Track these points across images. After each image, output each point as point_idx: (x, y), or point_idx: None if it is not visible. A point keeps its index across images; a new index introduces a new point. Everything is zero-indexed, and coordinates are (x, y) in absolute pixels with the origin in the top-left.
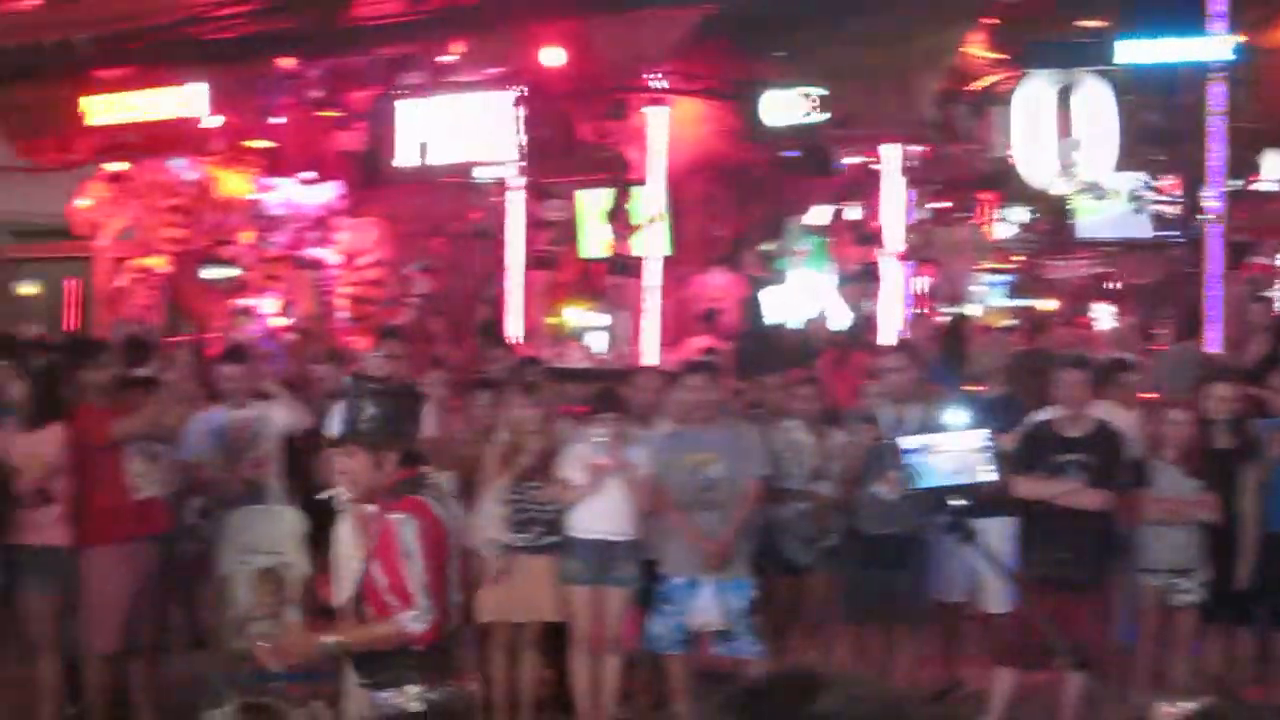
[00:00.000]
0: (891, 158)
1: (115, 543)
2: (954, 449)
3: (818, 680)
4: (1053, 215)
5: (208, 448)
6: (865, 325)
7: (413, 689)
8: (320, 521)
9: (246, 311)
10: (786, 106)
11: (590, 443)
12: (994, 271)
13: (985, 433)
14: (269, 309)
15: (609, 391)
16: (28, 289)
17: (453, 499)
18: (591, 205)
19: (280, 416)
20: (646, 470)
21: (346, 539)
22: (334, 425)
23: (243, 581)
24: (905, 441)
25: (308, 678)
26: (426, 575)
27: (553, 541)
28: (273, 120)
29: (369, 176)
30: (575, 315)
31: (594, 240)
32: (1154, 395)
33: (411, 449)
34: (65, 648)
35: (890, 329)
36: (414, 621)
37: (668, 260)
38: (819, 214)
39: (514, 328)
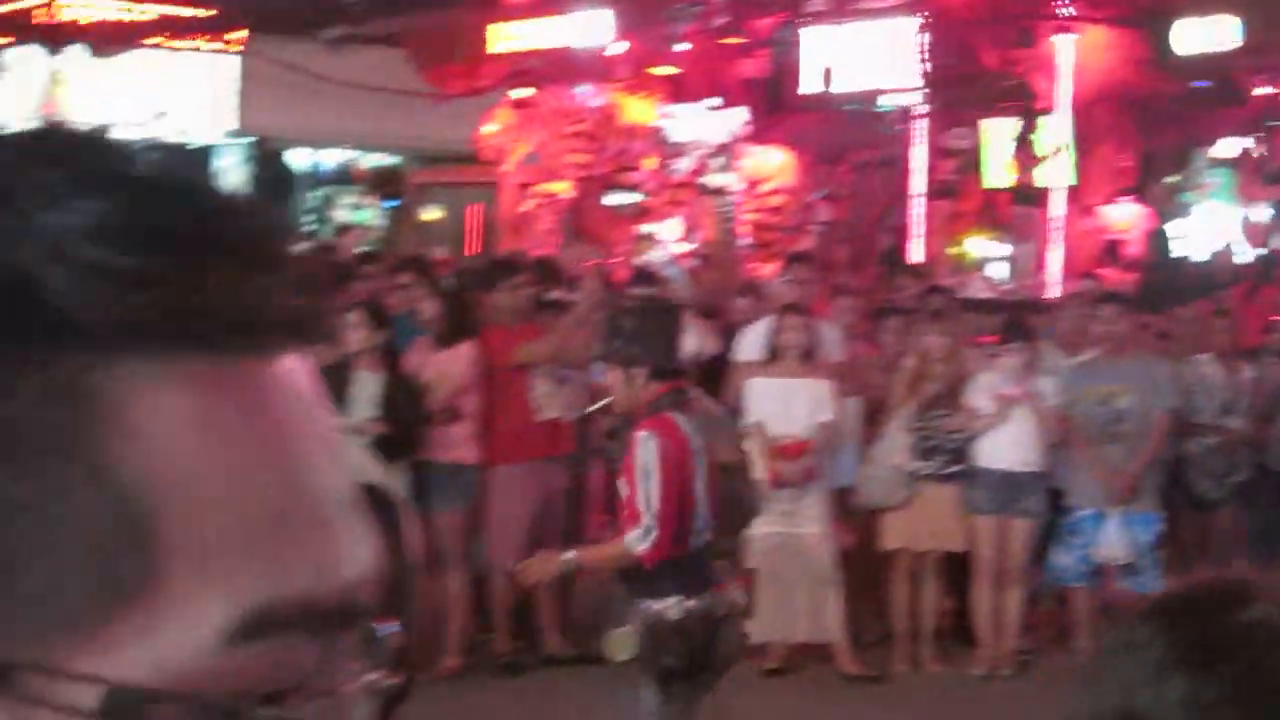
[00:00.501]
0: None
1: (519, 462)
2: None
3: (1249, 589)
4: None
5: None
6: (1274, 261)
7: (671, 598)
8: None
9: (649, 237)
10: (1199, 35)
11: (998, 372)
12: None
13: None
14: (671, 235)
15: (1018, 321)
16: (432, 214)
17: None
18: (996, 134)
19: (689, 342)
20: (1054, 401)
21: (753, 463)
22: (742, 350)
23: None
24: None
25: None
26: (664, 493)
27: (958, 470)
28: (677, 47)
29: (772, 104)
30: (977, 245)
31: (998, 170)
32: None
33: (664, 365)
34: (473, 563)
35: None
36: (636, 541)
37: (1072, 191)
38: (1227, 147)
39: (916, 257)
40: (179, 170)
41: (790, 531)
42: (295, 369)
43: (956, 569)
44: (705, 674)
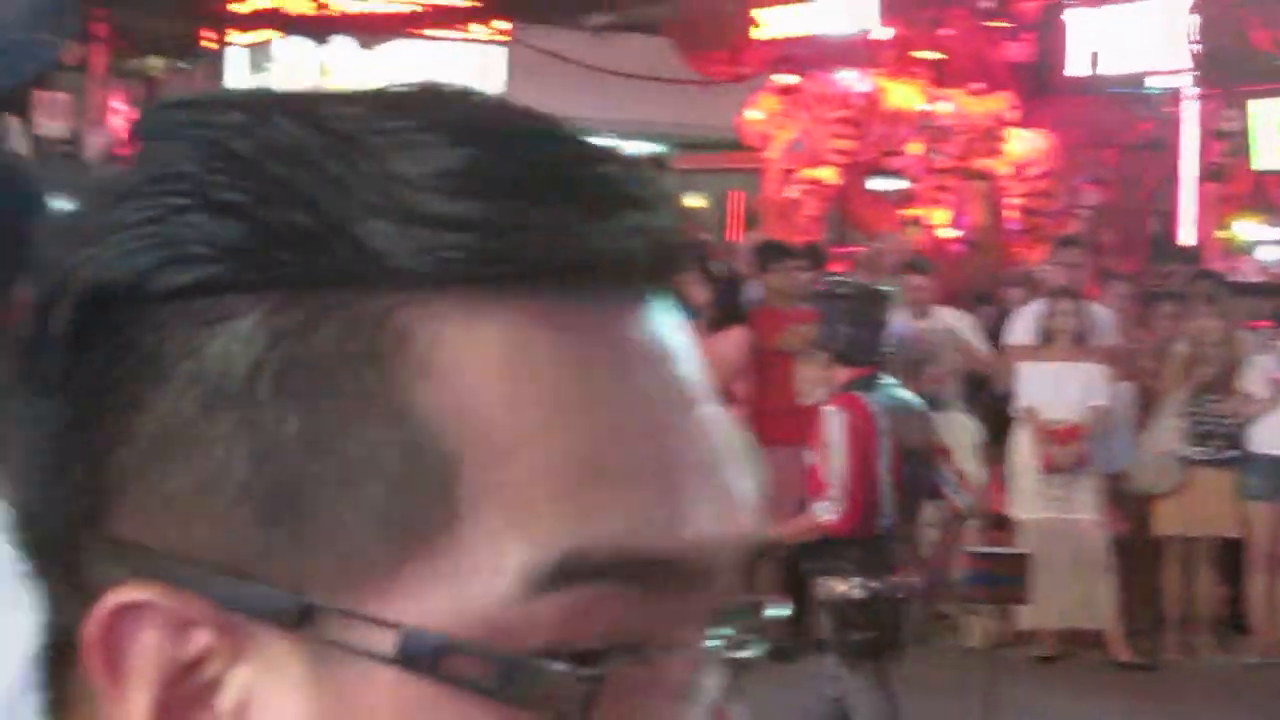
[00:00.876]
0: None
1: (785, 446)
2: None
3: None
4: None
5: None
6: None
7: (854, 579)
8: (998, 430)
9: (916, 223)
10: None
11: (1272, 356)
12: None
13: None
14: (938, 220)
15: None
16: (694, 201)
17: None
18: (1266, 115)
19: (963, 326)
20: None
21: (1024, 448)
22: (1013, 334)
23: None
24: None
25: (990, 582)
26: (850, 467)
27: (1232, 456)
28: (942, 31)
29: (1038, 87)
30: (1247, 228)
31: (1268, 152)
32: None
33: (857, 351)
34: None
35: None
36: (824, 512)
37: None
38: None
39: (1185, 241)
40: (529, 120)
41: (1063, 517)
42: (643, 315)
43: (1230, 555)
44: (892, 651)
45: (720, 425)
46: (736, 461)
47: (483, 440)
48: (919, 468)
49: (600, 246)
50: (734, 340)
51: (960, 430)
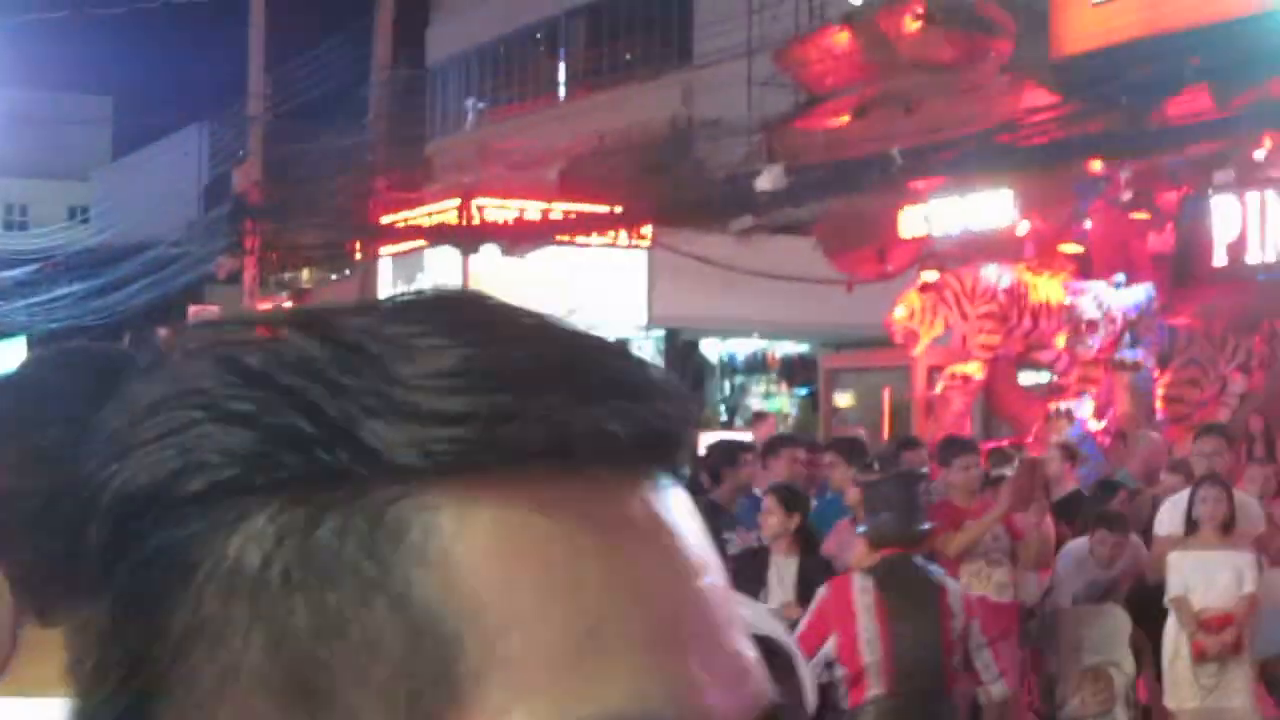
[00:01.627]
0: None
1: None
2: None
3: None
4: None
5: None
6: None
7: None
8: (1148, 622)
9: (1066, 414)
10: None
11: None
12: None
13: None
14: (1086, 412)
15: None
16: (845, 400)
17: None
18: None
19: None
20: None
21: (1176, 638)
22: (1160, 524)
23: (1072, 680)
24: None
25: None
26: (804, 638)
27: None
28: (1083, 223)
29: (1181, 275)
30: None
31: None
32: None
33: (884, 533)
34: None
35: None
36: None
37: None
38: None
39: None
40: (526, 318)
41: (1216, 706)
42: (637, 493)
43: None
44: None
45: (723, 595)
46: (740, 631)
47: (480, 621)
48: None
49: (585, 430)
50: None
51: (1115, 620)
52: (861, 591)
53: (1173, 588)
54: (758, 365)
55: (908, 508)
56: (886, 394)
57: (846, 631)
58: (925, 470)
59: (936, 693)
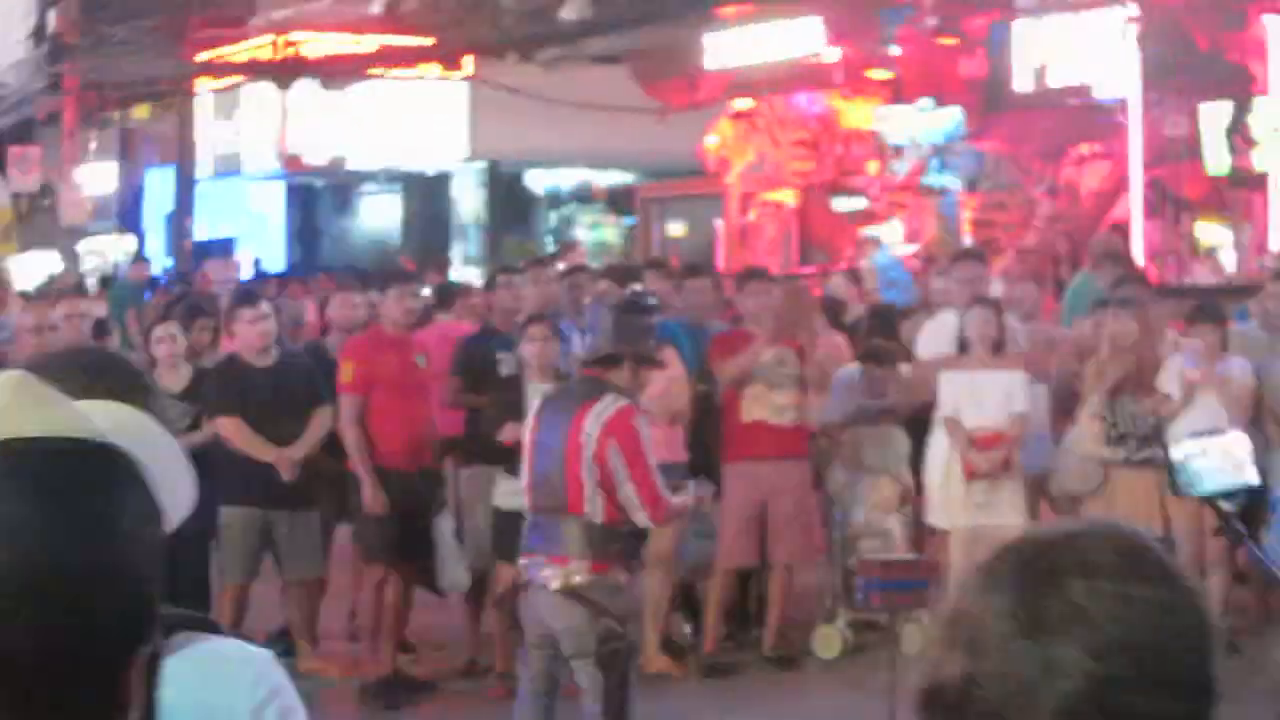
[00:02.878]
0: None
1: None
2: None
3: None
4: None
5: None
6: None
7: None
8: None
9: (873, 241)
10: None
11: (1187, 355)
12: None
13: None
14: (895, 236)
15: (1206, 305)
16: (676, 229)
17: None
18: (1213, 120)
19: None
20: (1244, 382)
21: (948, 458)
22: (926, 346)
23: (854, 492)
24: None
25: (912, 588)
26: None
27: (1151, 456)
28: (892, 50)
29: (990, 102)
30: (1204, 232)
31: (1217, 156)
32: None
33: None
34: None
35: None
36: None
37: None
38: None
39: (1136, 248)
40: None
41: (988, 523)
42: None
43: None
44: None
45: None
46: None
47: None
48: None
49: None
50: None
51: (897, 441)
52: (531, 412)
53: (944, 407)
54: (584, 196)
55: (609, 334)
56: (721, 224)
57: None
58: (651, 301)
59: (559, 510)
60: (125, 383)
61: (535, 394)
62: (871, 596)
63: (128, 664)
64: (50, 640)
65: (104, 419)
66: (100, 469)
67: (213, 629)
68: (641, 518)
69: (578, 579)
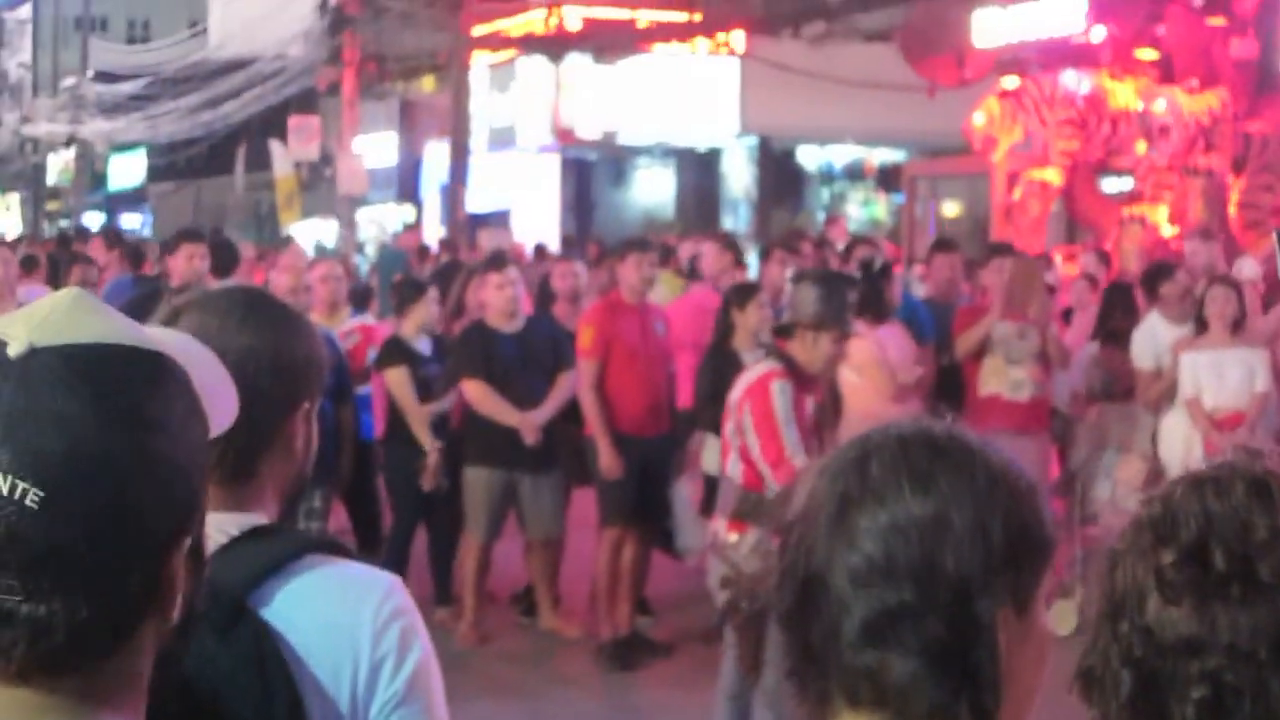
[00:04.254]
0: None
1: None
2: None
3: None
4: None
5: None
6: None
7: None
8: None
9: (1139, 220)
10: None
11: None
12: None
13: None
14: (1160, 218)
15: None
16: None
17: None
18: None
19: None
20: None
21: (1188, 438)
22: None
23: (1098, 470)
24: None
25: None
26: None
27: None
28: (1157, 29)
29: (1261, 82)
30: None
31: None
32: None
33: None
34: None
35: None
36: None
37: None
38: None
39: None
40: None
41: None
42: None
43: None
44: None
45: None
46: None
47: None
48: None
49: None
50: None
51: (1143, 418)
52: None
53: (1185, 388)
54: (856, 173)
55: (789, 306)
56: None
57: None
58: (848, 274)
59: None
60: (277, 316)
61: (748, 361)
62: None
63: (172, 552)
64: (98, 526)
65: (157, 334)
66: (149, 371)
67: (344, 553)
68: (770, 477)
69: (719, 538)
